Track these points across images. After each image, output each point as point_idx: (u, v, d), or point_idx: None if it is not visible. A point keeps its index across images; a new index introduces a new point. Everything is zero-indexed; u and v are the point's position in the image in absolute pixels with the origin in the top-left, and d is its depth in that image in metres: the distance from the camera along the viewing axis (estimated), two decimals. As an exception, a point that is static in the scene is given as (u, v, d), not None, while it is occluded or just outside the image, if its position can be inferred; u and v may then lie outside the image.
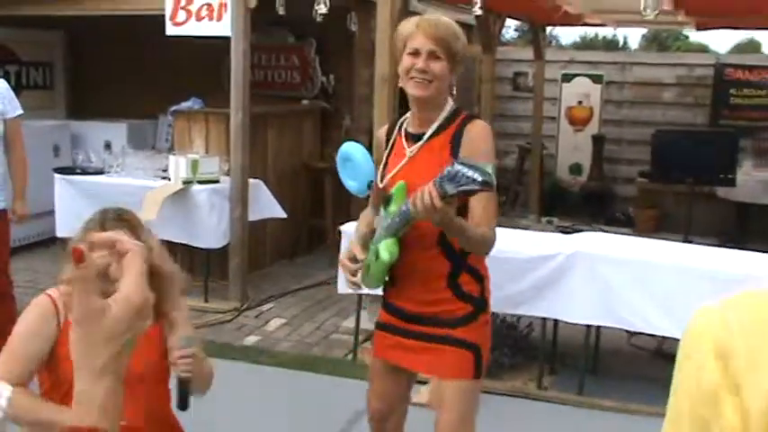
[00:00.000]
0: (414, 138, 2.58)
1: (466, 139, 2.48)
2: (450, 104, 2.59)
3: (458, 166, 2.10)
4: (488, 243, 2.49)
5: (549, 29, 10.26)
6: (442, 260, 2.53)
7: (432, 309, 2.56)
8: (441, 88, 2.52)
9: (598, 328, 4.57)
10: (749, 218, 7.98)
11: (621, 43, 20.03)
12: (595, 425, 4.07)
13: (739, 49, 19.13)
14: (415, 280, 2.57)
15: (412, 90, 2.51)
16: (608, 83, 9.82)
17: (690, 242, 5.69)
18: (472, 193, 2.13)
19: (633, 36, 20.29)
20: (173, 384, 2.28)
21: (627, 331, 5.08)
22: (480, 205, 2.45)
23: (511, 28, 16.02)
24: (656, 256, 4.44)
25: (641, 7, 5.26)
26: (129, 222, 2.21)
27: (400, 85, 2.58)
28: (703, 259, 4.43)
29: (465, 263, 2.55)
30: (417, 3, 7.14)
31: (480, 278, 2.59)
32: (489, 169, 2.09)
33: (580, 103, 9.89)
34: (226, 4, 5.56)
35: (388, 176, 2.59)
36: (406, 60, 2.50)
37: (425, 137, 2.55)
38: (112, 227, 2.12)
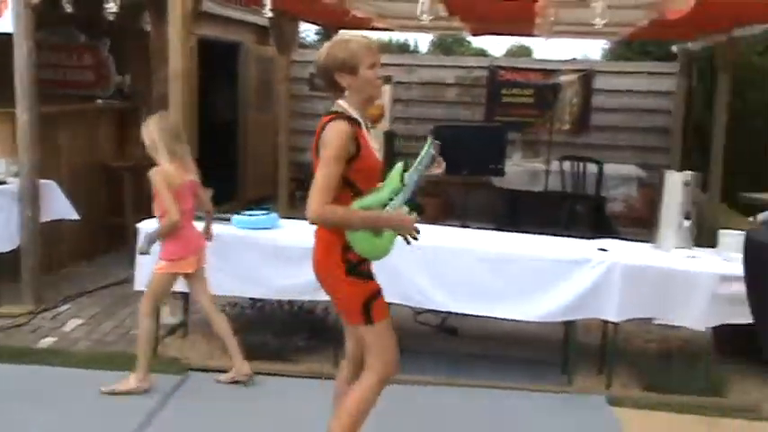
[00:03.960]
0: (367, 128, 2.97)
1: None
2: None
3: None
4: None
5: (344, 32, 10.41)
6: None
7: None
8: None
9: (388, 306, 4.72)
10: (519, 203, 8.57)
11: (413, 47, 20.73)
12: (389, 398, 4.19)
13: (512, 53, 20.42)
14: None
15: (378, 93, 3.01)
16: (396, 83, 10.14)
17: (467, 227, 6.01)
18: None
19: (423, 41, 21.13)
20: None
21: (413, 310, 5.31)
22: None
23: (312, 31, 16.08)
24: (437, 240, 4.66)
25: (418, 12, 5.49)
26: None
27: (366, 92, 2.89)
28: (477, 242, 4.71)
29: None
30: (210, 3, 6.99)
31: None
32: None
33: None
34: (6, 0, 5.15)
35: (379, 159, 2.98)
36: (371, 72, 2.88)
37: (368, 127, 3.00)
38: None
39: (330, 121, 2.82)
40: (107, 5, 5.36)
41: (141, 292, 4.96)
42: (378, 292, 2.96)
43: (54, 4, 5.45)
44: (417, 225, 2.95)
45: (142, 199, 7.01)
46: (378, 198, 2.89)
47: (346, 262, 2.88)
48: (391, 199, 2.92)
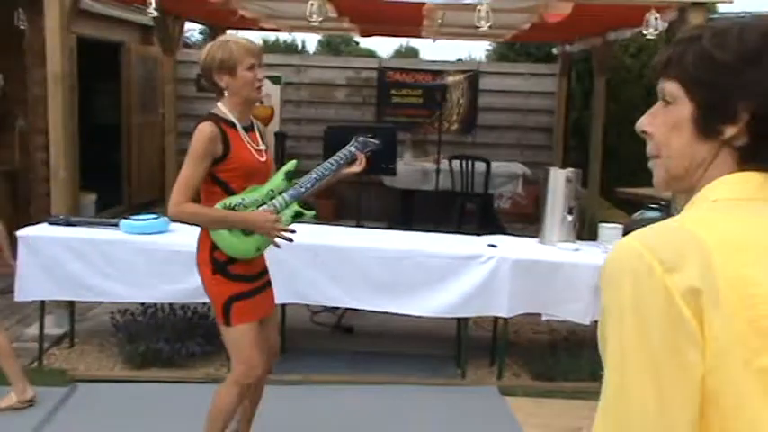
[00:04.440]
0: (245, 129, 2.96)
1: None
2: None
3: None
4: None
5: (230, 32, 10.25)
6: None
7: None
8: None
9: (284, 308, 4.72)
10: (412, 202, 8.72)
11: (300, 47, 20.63)
12: (287, 399, 4.20)
13: (400, 54, 20.70)
14: None
15: (257, 95, 2.96)
16: (286, 84, 10.10)
17: (362, 227, 6.08)
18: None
19: (310, 41, 21.08)
20: None
21: (310, 310, 5.32)
22: None
23: (196, 31, 15.75)
24: (331, 239, 4.70)
25: (307, 13, 5.50)
26: None
27: (244, 93, 2.90)
28: (372, 240, 4.78)
29: None
30: (92, 3, 6.75)
31: None
32: None
33: (261, 103, 10.07)
34: None
35: (261, 159, 2.98)
36: (249, 74, 2.89)
37: (255, 127, 3.05)
38: None
39: (200, 123, 2.88)
40: (-23, 2, 5.10)
41: (23, 304, 4.77)
42: (242, 295, 2.95)
43: None
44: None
45: (18, 206, 6.71)
46: (244, 196, 2.91)
47: (213, 261, 2.92)
48: (271, 197, 2.97)
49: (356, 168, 3.13)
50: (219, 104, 2.94)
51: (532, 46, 12.15)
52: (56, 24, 4.99)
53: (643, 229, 1.00)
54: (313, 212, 3.13)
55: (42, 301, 4.62)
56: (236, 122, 2.92)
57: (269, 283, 3.15)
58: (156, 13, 5.29)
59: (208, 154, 2.83)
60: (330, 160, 3.08)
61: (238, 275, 2.95)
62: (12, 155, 7.04)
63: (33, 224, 4.76)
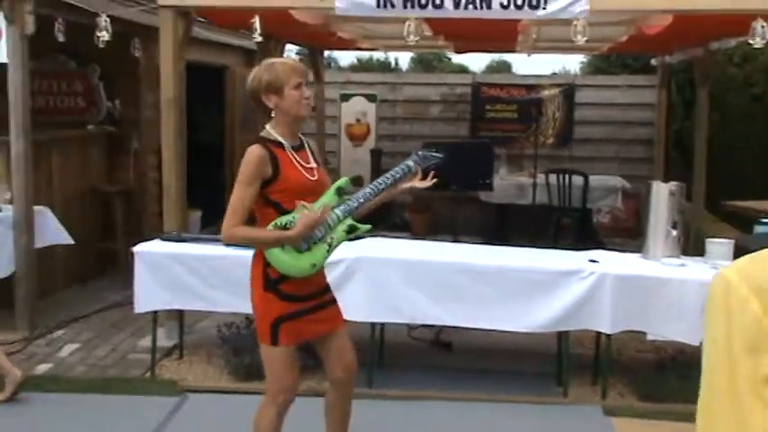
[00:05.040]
0: (295, 148, 2.97)
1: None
2: None
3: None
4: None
5: (327, 52, 10.48)
6: None
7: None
8: None
9: (382, 325, 4.74)
10: (507, 217, 8.63)
11: (394, 65, 20.80)
12: (386, 414, 4.21)
13: (492, 68, 20.55)
14: None
15: (305, 112, 2.98)
16: (381, 101, 10.20)
17: (458, 242, 6.06)
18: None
19: (404, 58, 21.25)
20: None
21: (407, 326, 5.32)
22: None
23: (292, 52, 16.12)
24: (428, 255, 4.69)
25: (404, 34, 5.55)
26: None
27: (292, 112, 2.91)
28: (467, 255, 4.75)
29: None
30: (200, 30, 7.02)
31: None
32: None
33: (358, 120, 10.21)
34: (1, 31, 5.16)
35: (311, 177, 2.97)
36: (296, 92, 2.90)
37: (306, 146, 3.05)
38: None
39: (250, 145, 2.91)
40: (99, 34, 5.39)
41: (136, 317, 4.97)
42: (290, 316, 2.92)
43: (46, 33, 5.46)
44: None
45: (132, 223, 7.03)
46: (295, 215, 2.88)
47: (265, 277, 2.91)
48: None
49: (417, 183, 3.05)
50: (268, 127, 2.95)
51: (629, 57, 11.84)
52: (169, 52, 5.21)
53: (745, 259, 0.94)
54: (368, 227, 3.08)
55: (155, 315, 4.79)
56: (283, 142, 2.92)
57: (332, 301, 3.11)
58: (260, 38, 5.44)
59: (257, 176, 2.84)
60: (386, 174, 3.03)
61: (289, 295, 2.92)
62: (127, 175, 7.38)
63: (147, 240, 4.97)
